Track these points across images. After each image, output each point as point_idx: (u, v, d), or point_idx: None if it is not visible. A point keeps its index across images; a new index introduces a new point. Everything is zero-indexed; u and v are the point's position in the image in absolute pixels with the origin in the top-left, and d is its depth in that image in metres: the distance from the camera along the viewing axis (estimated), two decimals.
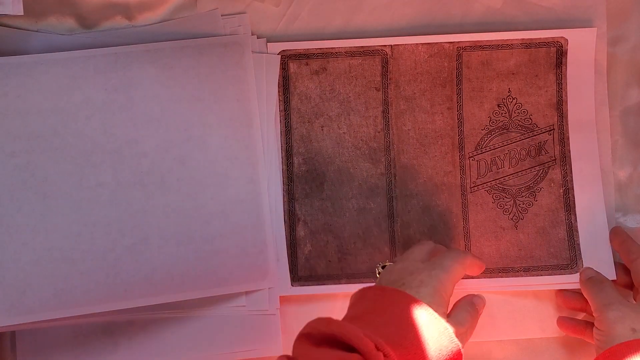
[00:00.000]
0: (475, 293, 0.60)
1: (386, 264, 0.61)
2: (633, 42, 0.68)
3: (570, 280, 0.66)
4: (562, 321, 0.66)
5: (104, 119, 0.63)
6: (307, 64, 0.67)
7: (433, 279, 0.56)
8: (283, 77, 0.66)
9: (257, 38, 0.66)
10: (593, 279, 0.63)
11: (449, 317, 0.56)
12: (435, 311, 0.53)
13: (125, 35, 0.64)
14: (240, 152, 0.64)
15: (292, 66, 0.66)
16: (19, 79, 0.62)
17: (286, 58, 0.66)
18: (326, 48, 0.66)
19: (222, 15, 0.65)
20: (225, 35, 0.65)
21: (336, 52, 0.66)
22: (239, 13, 0.66)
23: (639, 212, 0.69)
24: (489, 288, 0.66)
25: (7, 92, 0.62)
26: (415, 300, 0.53)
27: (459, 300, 0.60)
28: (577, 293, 0.65)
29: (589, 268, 0.65)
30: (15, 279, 0.60)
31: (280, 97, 0.67)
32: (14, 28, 0.64)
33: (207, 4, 0.65)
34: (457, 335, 0.53)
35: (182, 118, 0.63)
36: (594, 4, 0.67)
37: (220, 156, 0.64)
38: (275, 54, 0.66)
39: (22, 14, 0.59)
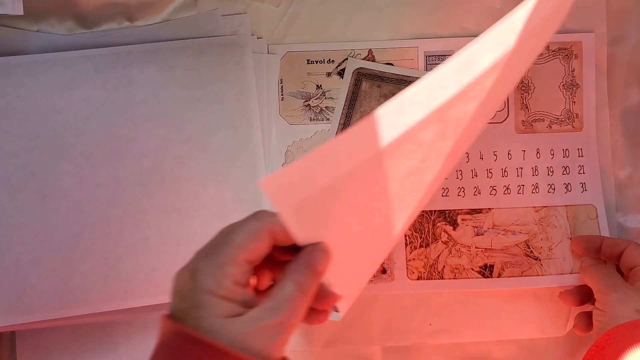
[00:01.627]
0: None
1: None
2: (633, 42, 0.68)
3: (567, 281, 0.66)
4: (563, 295, 0.65)
5: (104, 118, 0.62)
6: (379, 87, 0.66)
7: None
8: (352, 92, 0.66)
9: (257, 38, 0.66)
10: (595, 264, 0.64)
11: None
12: None
13: (125, 35, 0.64)
14: (240, 152, 0.64)
15: (365, 85, 0.66)
16: (19, 78, 0.62)
17: (361, 76, 0.66)
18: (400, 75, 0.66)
19: (222, 16, 0.65)
20: (226, 35, 0.65)
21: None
22: (239, 13, 0.66)
23: (639, 212, 0.68)
24: (493, 288, 0.67)
25: (8, 92, 0.62)
26: None
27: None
28: (576, 289, 0.65)
29: (588, 257, 0.65)
30: (15, 279, 0.60)
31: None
32: (14, 28, 0.63)
33: (208, 5, 0.65)
34: None
35: (182, 118, 0.63)
36: (594, 4, 0.67)
37: (220, 156, 0.63)
38: (275, 54, 0.66)
39: (22, 13, 0.59)
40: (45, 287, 0.60)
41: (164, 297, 0.61)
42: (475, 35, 0.66)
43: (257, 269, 0.42)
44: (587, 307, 0.65)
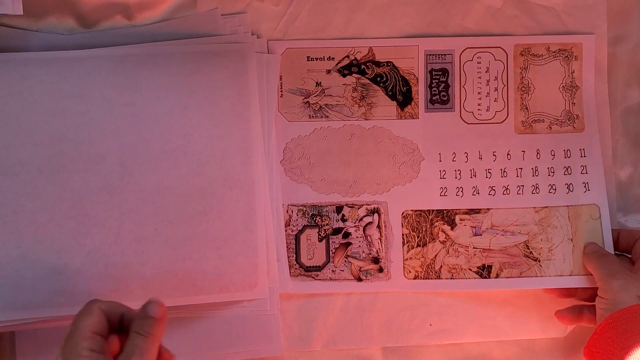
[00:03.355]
0: None
1: None
2: (634, 42, 0.68)
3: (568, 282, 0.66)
4: (560, 314, 0.66)
5: (106, 120, 0.61)
6: None
7: None
8: None
9: (257, 38, 0.65)
10: (597, 252, 0.64)
11: None
12: None
13: (125, 35, 0.63)
14: (241, 153, 0.63)
15: None
16: (20, 75, 0.61)
17: None
18: None
19: (222, 15, 0.64)
20: (227, 35, 0.64)
21: None
22: (239, 13, 0.65)
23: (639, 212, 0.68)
24: (490, 288, 0.67)
25: (11, 91, 0.61)
26: None
27: None
28: (571, 309, 0.65)
29: (592, 243, 0.66)
30: (14, 277, 0.59)
31: None
32: (13, 28, 0.62)
33: (207, 4, 0.64)
34: None
35: (184, 119, 0.62)
36: (595, 3, 0.67)
37: (221, 157, 0.62)
38: (275, 53, 0.66)
39: (22, 13, 0.58)
40: (44, 286, 0.60)
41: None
42: (475, 35, 0.67)
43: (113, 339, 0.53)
44: (572, 302, 0.66)
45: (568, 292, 0.66)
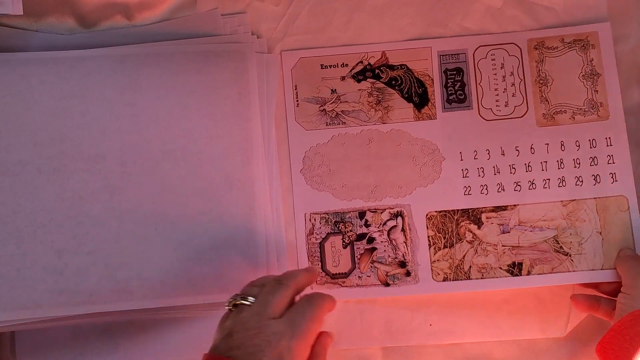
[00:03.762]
0: None
1: None
2: (633, 42, 0.67)
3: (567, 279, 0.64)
4: (575, 299, 0.63)
5: (106, 120, 0.62)
6: None
7: None
8: None
9: (257, 38, 0.66)
10: (629, 256, 0.63)
11: None
12: None
13: (125, 35, 0.64)
14: (241, 153, 0.63)
15: None
16: (20, 75, 0.62)
17: None
18: None
19: (222, 15, 0.65)
20: (227, 35, 0.65)
21: None
22: (239, 13, 0.66)
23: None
24: (523, 286, 0.64)
25: (11, 91, 0.62)
26: None
27: None
28: (589, 296, 0.63)
29: (629, 248, 0.64)
30: (14, 277, 0.60)
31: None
32: (13, 28, 0.63)
33: (207, 4, 0.65)
34: None
35: (185, 119, 0.63)
36: (595, 3, 0.67)
37: (221, 157, 0.63)
38: (276, 54, 0.67)
39: (22, 13, 0.59)
40: (44, 286, 0.60)
41: (163, 300, 0.61)
42: (475, 35, 0.66)
43: None
44: (591, 292, 0.64)
45: (593, 284, 0.64)
